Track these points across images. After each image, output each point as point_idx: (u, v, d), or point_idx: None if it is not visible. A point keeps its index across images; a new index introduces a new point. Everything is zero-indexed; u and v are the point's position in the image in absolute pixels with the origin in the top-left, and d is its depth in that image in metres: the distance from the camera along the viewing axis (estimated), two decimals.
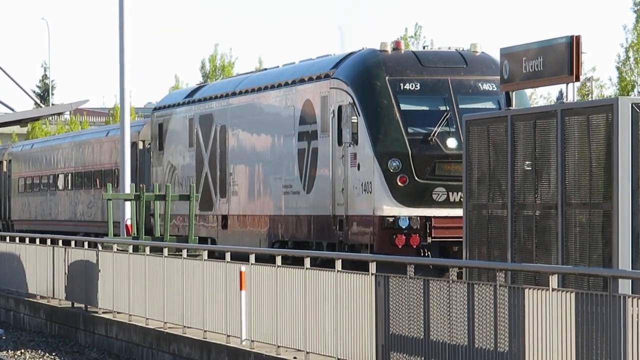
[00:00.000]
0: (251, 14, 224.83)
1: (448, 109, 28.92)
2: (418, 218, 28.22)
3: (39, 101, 74.13)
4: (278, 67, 35.98)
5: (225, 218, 35.66)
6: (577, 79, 18.80)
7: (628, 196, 16.66)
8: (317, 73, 31.47)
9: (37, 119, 73.19)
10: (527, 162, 18.92)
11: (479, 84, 29.37)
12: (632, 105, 16.81)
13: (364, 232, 28.75)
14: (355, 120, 28.91)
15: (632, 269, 17.37)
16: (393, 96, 28.91)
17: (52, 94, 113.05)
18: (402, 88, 29.04)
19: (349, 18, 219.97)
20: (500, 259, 18.81)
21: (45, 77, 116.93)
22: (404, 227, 28.03)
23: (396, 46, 30.17)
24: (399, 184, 28.35)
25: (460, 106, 28.54)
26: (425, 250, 28.11)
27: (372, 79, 29.48)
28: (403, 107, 28.82)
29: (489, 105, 27.96)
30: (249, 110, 34.99)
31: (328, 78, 30.52)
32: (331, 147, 30.04)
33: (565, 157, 17.76)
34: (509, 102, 27.23)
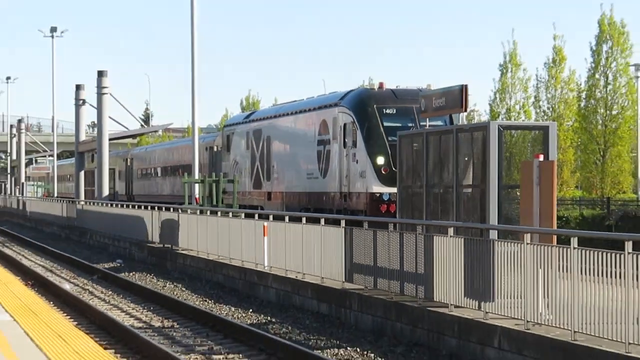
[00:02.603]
0: (270, 70, 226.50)
1: (413, 125, 27.39)
2: (395, 194, 27.75)
3: (143, 124, 74.74)
4: (303, 99, 34.62)
5: (269, 194, 34.56)
6: (465, 110, 18.63)
7: (495, 181, 16.36)
8: (330, 102, 30.57)
9: (142, 134, 73.79)
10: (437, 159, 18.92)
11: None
12: (498, 127, 16.75)
13: (360, 202, 27.99)
14: (355, 133, 28.36)
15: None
16: (379, 117, 28.22)
17: (151, 119, 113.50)
18: (384, 112, 28.30)
19: (328, 72, 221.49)
20: (419, 218, 18.78)
21: (147, 109, 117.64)
22: (385, 199, 27.39)
23: (380, 86, 29.26)
24: (383, 172, 27.62)
25: (421, 124, 26.10)
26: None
27: (365, 106, 28.56)
28: (385, 124, 28.06)
29: (440, 123, 26.01)
30: (286, 127, 33.87)
31: (337, 106, 29.64)
32: (339, 149, 29.23)
33: (457, 157, 17.26)
34: (452, 121, 26.92)
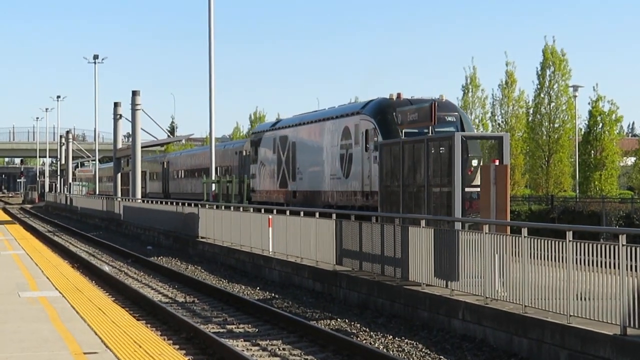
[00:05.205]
0: (272, 89, 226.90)
1: (428, 131, 25.98)
2: None
3: (169, 134, 74.40)
4: (325, 109, 32.19)
5: (294, 192, 32.39)
6: (434, 123, 18.30)
7: (459, 182, 16.01)
8: (351, 111, 28.36)
9: (168, 143, 73.56)
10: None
11: (445, 117, 25.59)
12: (461, 137, 16.60)
13: None
14: (376, 138, 25.96)
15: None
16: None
17: (176, 130, 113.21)
18: None
19: (323, 92, 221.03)
20: (397, 212, 18.70)
21: (172, 122, 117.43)
22: None
23: (398, 96, 26.90)
24: None
25: (436, 129, 25.14)
26: None
27: (385, 114, 26.22)
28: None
29: (451, 129, 23.99)
30: (310, 133, 31.40)
31: (359, 114, 27.41)
32: (361, 153, 27.03)
33: (428, 162, 16.86)
34: (462, 128, 25.28)
